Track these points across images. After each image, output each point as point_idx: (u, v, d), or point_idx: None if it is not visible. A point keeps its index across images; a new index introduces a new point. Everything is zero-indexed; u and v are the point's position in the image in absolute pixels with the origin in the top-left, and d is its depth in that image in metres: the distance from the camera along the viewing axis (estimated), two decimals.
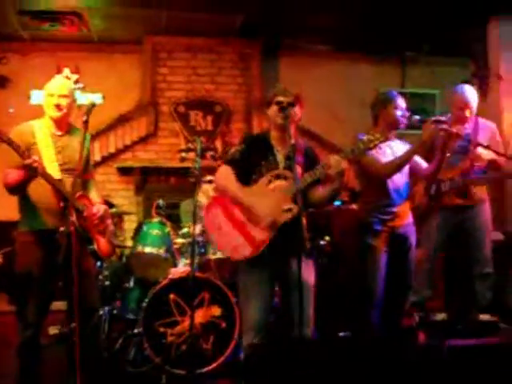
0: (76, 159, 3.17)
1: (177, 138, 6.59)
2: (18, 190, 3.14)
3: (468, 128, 4.06)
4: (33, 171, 2.96)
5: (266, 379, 2.27)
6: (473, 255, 4.10)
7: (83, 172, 3.30)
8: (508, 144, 4.16)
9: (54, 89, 3.24)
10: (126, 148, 6.48)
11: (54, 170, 3.14)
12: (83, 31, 6.09)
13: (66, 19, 5.67)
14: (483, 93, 5.56)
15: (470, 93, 4.04)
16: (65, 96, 3.24)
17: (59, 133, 3.27)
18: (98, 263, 4.07)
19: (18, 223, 3.24)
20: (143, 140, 6.56)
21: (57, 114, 3.22)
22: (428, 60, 7.03)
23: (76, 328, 2.81)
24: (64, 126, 3.30)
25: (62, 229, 2.91)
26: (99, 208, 3.35)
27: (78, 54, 6.45)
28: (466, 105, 4.00)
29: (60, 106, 3.21)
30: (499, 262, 4.36)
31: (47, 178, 3.04)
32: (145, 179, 6.43)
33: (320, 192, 3.03)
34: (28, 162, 2.92)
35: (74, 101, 3.30)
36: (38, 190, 3.11)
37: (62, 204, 3.06)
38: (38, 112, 5.90)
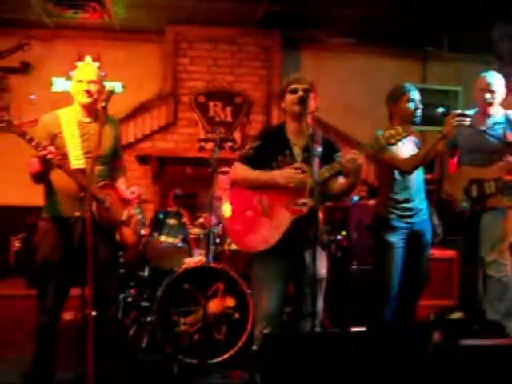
0: (104, 146, 3.20)
1: (196, 128, 6.57)
2: (39, 179, 3.16)
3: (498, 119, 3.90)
4: (47, 163, 2.98)
5: (279, 370, 2.27)
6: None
7: (111, 159, 3.34)
8: None
9: (84, 75, 3.22)
10: (145, 137, 6.49)
11: (78, 158, 3.14)
12: (105, 19, 6.08)
13: (89, 6, 5.67)
14: (507, 90, 5.46)
15: (494, 76, 3.92)
16: (94, 82, 3.21)
17: (87, 120, 3.25)
18: (121, 253, 4.04)
19: (42, 209, 3.26)
20: (162, 129, 6.55)
21: (87, 100, 3.20)
22: (451, 56, 6.92)
23: (89, 315, 2.81)
24: (93, 112, 3.26)
25: (76, 214, 2.93)
26: (134, 190, 3.38)
27: (100, 42, 6.45)
28: (487, 85, 3.87)
29: (90, 92, 3.19)
30: None
31: (64, 168, 3.04)
32: (162, 168, 6.44)
33: (340, 184, 3.01)
34: (42, 154, 2.93)
35: (103, 87, 3.26)
36: (61, 178, 3.12)
37: (82, 193, 3.03)
38: (59, 99, 5.94)
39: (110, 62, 6.24)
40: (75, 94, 3.23)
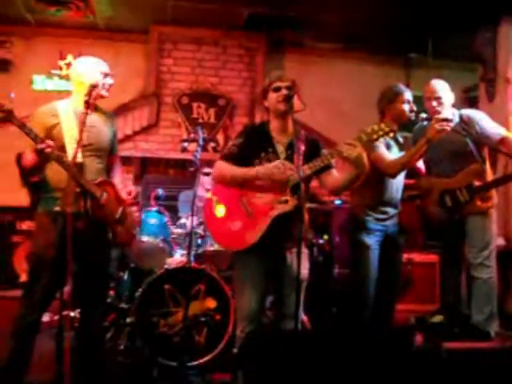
0: (100, 139, 3.17)
1: (178, 130, 6.55)
2: (34, 173, 3.08)
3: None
4: (45, 156, 2.90)
5: (261, 369, 2.23)
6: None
7: (108, 154, 3.27)
8: None
9: (107, 68, 3.21)
10: (127, 137, 6.43)
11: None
12: (89, 17, 6.05)
13: (73, 4, 5.63)
14: (490, 96, 5.51)
15: (437, 83, 3.85)
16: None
17: (86, 112, 3.11)
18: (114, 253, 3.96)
19: (37, 204, 3.17)
20: (145, 130, 6.52)
21: (106, 94, 3.20)
22: (435, 63, 6.96)
23: (66, 316, 2.76)
24: (93, 105, 3.17)
25: (56, 209, 2.83)
26: (131, 189, 3.35)
27: (83, 40, 6.38)
28: (431, 93, 3.81)
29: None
30: (500, 267, 4.32)
31: (61, 163, 2.95)
32: (144, 169, 6.38)
33: (335, 178, 2.97)
34: (40, 146, 2.85)
35: None
36: (58, 173, 3.01)
37: (78, 189, 2.97)
38: (40, 98, 5.87)
39: None
40: (100, 89, 3.16)
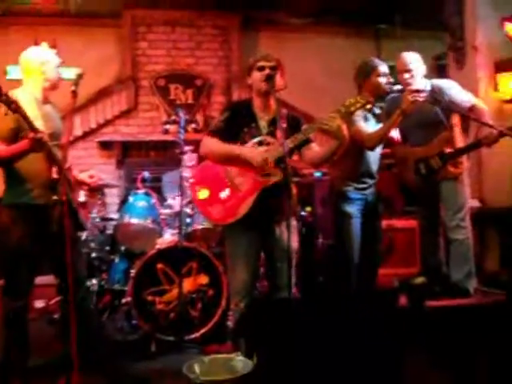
0: (57, 128, 3.17)
1: (157, 112, 6.61)
2: (10, 162, 3.02)
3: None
4: (41, 146, 2.87)
5: (261, 337, 2.37)
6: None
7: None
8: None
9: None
10: (107, 122, 6.48)
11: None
12: (60, 4, 6.03)
13: None
14: (459, 65, 5.64)
15: (408, 55, 3.90)
16: None
17: (43, 101, 3.17)
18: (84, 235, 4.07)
19: (4, 196, 3.10)
20: (124, 114, 6.57)
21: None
22: (404, 33, 7.09)
23: (70, 299, 2.76)
24: (45, 96, 3.20)
25: (54, 197, 2.89)
26: (92, 173, 3.38)
27: (56, 27, 6.36)
28: (403, 66, 3.86)
29: None
30: (477, 227, 4.52)
31: (49, 152, 2.93)
32: (125, 153, 6.44)
33: (315, 151, 3.07)
34: (39, 136, 2.82)
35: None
36: (33, 163, 3.01)
37: (55, 176, 2.94)
38: (15, 87, 5.85)
39: (66, 47, 6.13)
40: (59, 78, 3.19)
